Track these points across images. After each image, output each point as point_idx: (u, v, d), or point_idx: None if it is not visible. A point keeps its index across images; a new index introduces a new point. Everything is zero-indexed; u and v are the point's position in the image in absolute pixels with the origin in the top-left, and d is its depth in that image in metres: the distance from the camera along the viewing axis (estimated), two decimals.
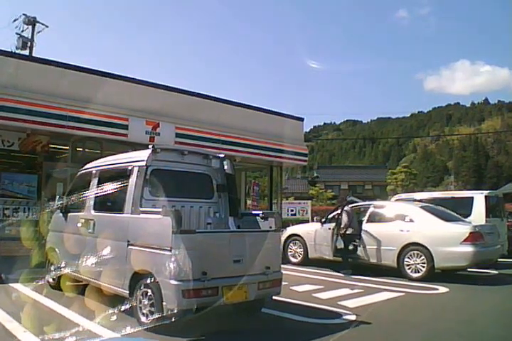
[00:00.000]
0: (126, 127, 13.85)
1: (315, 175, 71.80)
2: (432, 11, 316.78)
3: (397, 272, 11.49)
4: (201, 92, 16.65)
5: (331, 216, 13.20)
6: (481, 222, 13.02)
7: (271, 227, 7.03)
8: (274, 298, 7.20)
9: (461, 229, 11.02)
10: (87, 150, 14.47)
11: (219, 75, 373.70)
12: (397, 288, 9.93)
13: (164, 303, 5.71)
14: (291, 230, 14.62)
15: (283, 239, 13.75)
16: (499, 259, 12.91)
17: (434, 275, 11.01)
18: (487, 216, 13.64)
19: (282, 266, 7.38)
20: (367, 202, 13.98)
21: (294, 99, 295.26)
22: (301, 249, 13.86)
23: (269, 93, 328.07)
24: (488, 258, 11.38)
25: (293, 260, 14.01)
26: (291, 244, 14.19)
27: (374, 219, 12.58)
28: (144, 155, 6.89)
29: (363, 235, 12.29)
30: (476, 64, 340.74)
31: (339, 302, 8.35)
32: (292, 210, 24.36)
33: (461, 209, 13.91)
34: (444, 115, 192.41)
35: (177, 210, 5.93)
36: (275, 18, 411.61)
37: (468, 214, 13.70)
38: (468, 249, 10.61)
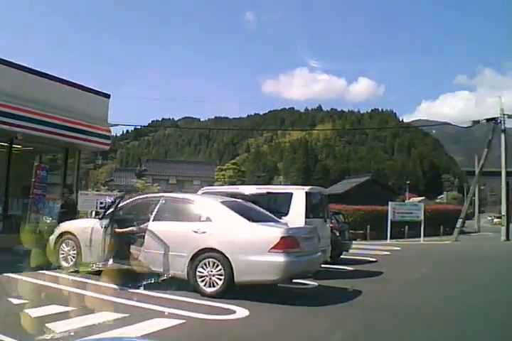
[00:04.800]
0: None
1: (143, 168, 69.13)
2: (278, 16, 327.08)
3: (190, 285, 8.71)
4: None
5: (110, 210, 10.05)
6: (300, 223, 10.65)
7: None
8: None
9: (270, 233, 8.40)
10: None
11: None
12: (179, 311, 7.17)
13: None
14: (64, 226, 11.17)
15: (53, 237, 10.87)
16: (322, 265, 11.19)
17: (233, 290, 8.34)
18: (307, 216, 11.14)
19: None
20: (157, 194, 11.05)
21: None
22: (75, 251, 10.51)
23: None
24: (306, 270, 8.90)
25: (64, 264, 10.65)
26: (64, 245, 10.75)
27: (163, 215, 9.59)
28: None
29: (147, 236, 9.26)
30: (315, 72, 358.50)
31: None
32: (102, 203, 20.98)
33: (278, 207, 11.66)
34: (278, 118, 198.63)
35: None
36: None
37: (287, 214, 11.23)
38: (279, 258, 8.03)
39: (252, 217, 9.02)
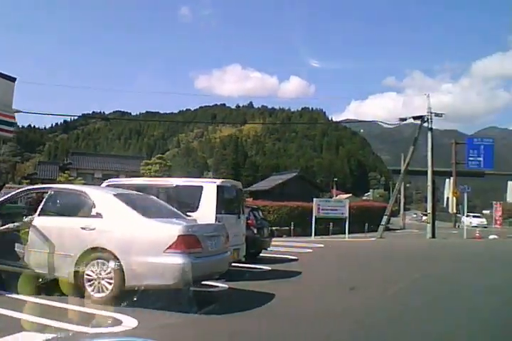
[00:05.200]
0: None
1: (68, 161, 66.16)
2: (213, 12, 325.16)
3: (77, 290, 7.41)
4: None
5: None
6: (210, 220, 9.58)
7: None
8: None
9: (166, 231, 7.18)
10: None
11: None
12: (55, 322, 5.92)
13: None
14: None
15: None
16: (235, 264, 10.78)
17: (125, 295, 7.06)
18: (218, 212, 10.04)
19: None
20: (45, 185, 9.71)
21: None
22: None
23: None
24: (210, 272, 7.79)
25: None
26: None
27: (50, 210, 8.23)
28: None
29: (31, 233, 7.91)
30: (248, 69, 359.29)
31: None
32: None
33: (188, 201, 10.55)
34: (209, 114, 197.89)
35: None
36: None
37: (197, 209, 10.12)
38: (175, 260, 6.87)
39: (150, 212, 7.83)
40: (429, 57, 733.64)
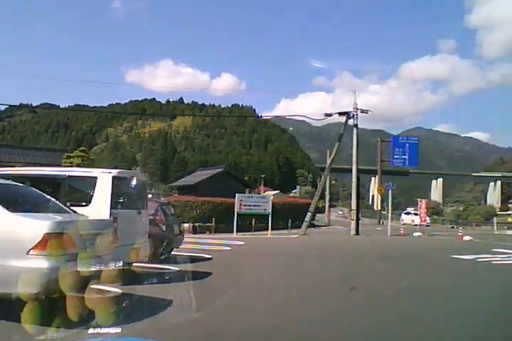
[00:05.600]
0: None
1: None
2: (146, 7, 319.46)
3: None
4: None
5: None
6: (104, 215, 8.31)
7: None
8: None
9: (30, 228, 5.81)
10: None
11: None
12: None
13: None
14: None
15: None
16: (141, 265, 10.04)
17: None
18: (114, 206, 8.74)
19: None
20: None
21: None
22: None
23: None
24: (89, 277, 6.49)
25: None
26: None
27: None
28: None
29: None
30: (179, 65, 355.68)
31: None
32: None
33: (81, 194, 9.20)
34: (139, 108, 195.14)
35: None
36: None
37: (90, 203, 8.80)
38: (40, 263, 5.57)
39: (19, 206, 6.49)
40: (358, 57, 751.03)
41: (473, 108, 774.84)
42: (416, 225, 42.52)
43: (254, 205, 27.19)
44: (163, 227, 12.39)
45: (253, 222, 28.86)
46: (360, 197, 30.67)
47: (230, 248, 18.06)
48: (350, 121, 29.14)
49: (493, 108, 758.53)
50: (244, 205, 26.73)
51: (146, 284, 8.93)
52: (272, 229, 28.21)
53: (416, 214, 51.85)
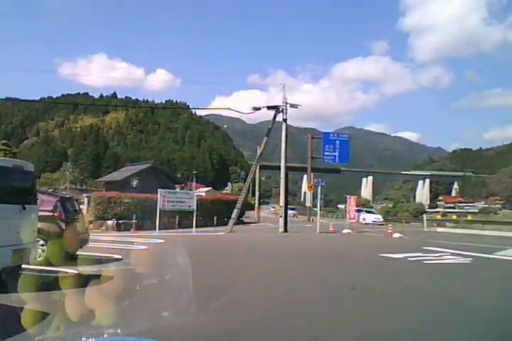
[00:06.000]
0: None
1: None
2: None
3: None
4: None
5: None
6: None
7: None
8: None
9: None
10: None
11: None
12: None
13: None
14: None
15: None
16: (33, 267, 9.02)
17: None
18: None
19: None
20: None
21: None
22: None
23: None
24: None
25: None
26: None
27: None
28: None
29: None
30: (114, 59, 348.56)
31: None
32: None
33: None
34: (72, 102, 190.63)
35: None
36: None
37: None
38: None
39: None
40: (292, 57, 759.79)
41: (404, 109, 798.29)
42: (373, 224, 42.31)
43: (178, 201, 26.10)
44: (63, 225, 11.13)
45: (177, 219, 27.68)
46: (288, 193, 30.08)
47: (146, 247, 16.99)
48: (280, 116, 28.48)
49: (423, 109, 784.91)
50: (168, 201, 25.59)
51: (35, 292, 7.73)
52: (200, 227, 27.31)
53: (368, 212, 51.39)
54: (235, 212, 28.20)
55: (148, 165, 47.38)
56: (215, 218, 30.11)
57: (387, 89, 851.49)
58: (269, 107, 28.40)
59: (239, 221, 43.61)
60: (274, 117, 28.40)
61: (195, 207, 25.84)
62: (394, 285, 10.13)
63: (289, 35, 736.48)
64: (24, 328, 5.16)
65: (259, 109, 27.93)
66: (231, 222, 27.64)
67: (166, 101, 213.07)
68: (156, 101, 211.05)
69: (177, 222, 27.54)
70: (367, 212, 51.70)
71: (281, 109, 28.16)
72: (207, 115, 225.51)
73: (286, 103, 28.37)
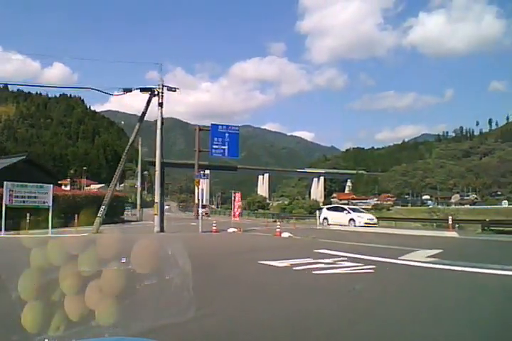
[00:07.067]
0: None
1: None
2: None
3: None
4: None
5: None
6: None
7: None
8: None
9: None
10: None
11: None
12: None
13: None
14: None
15: None
16: None
17: None
18: None
19: None
20: None
21: None
22: None
23: None
24: None
25: None
26: None
27: None
28: None
29: None
30: (9, 51, 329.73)
31: None
32: None
33: None
34: None
35: None
36: None
37: None
38: None
39: None
40: (191, 55, 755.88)
41: (299, 109, 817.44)
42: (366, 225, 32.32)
43: (29, 197, 22.31)
44: None
45: (28, 218, 23.36)
46: (164, 188, 26.90)
47: None
48: (155, 99, 25.21)
49: (318, 109, 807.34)
50: (16, 197, 21.80)
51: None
52: (66, 227, 23.80)
53: (360, 211, 36.79)
54: (102, 209, 24.52)
55: (21, 158, 42.04)
56: (83, 216, 26.32)
57: (283, 89, 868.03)
58: (142, 89, 25.02)
59: (119, 219, 40.07)
60: (149, 101, 25.10)
61: (51, 204, 22.20)
62: (260, 321, 6.15)
63: (188, 32, 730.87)
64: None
65: (131, 90, 24.44)
66: (97, 220, 23.87)
67: (60, 95, 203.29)
68: (49, 95, 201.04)
69: (27, 221, 23.16)
70: (354, 210, 36.28)
71: (156, 92, 24.91)
72: (103, 111, 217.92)
73: (163, 85, 25.18)
